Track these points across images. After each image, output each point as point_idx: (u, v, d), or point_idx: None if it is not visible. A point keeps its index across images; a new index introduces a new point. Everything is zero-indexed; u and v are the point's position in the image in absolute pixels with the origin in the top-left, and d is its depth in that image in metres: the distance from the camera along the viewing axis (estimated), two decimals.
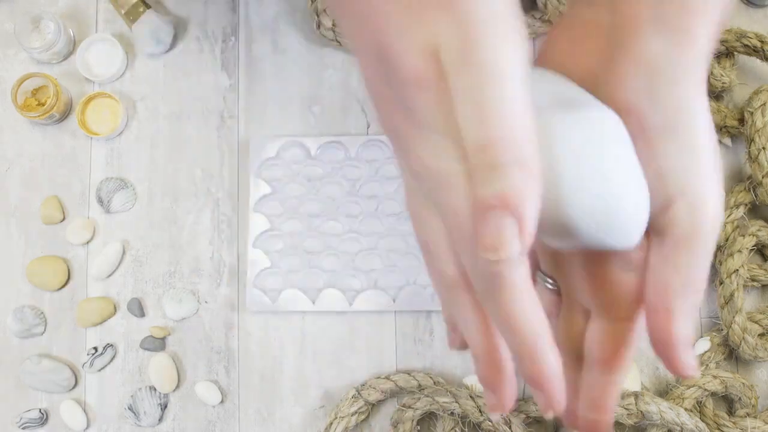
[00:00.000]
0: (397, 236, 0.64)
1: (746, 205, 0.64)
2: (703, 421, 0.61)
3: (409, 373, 0.62)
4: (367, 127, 0.67)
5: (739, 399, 0.61)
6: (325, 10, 0.66)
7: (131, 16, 0.67)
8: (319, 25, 0.67)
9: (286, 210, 0.65)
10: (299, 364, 0.64)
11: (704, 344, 0.63)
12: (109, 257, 0.65)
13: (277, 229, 0.64)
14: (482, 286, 0.33)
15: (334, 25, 0.66)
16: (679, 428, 0.58)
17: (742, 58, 0.67)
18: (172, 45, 0.68)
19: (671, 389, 0.62)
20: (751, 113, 0.62)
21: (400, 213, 0.64)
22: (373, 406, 0.63)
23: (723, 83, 0.63)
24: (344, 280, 0.64)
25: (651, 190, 0.35)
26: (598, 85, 0.36)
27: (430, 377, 0.62)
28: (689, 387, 0.61)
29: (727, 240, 0.63)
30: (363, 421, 0.62)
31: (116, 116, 0.66)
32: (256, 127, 0.67)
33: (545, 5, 0.65)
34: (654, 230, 0.36)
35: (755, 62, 0.67)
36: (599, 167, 0.34)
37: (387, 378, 0.62)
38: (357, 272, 0.64)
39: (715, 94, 0.65)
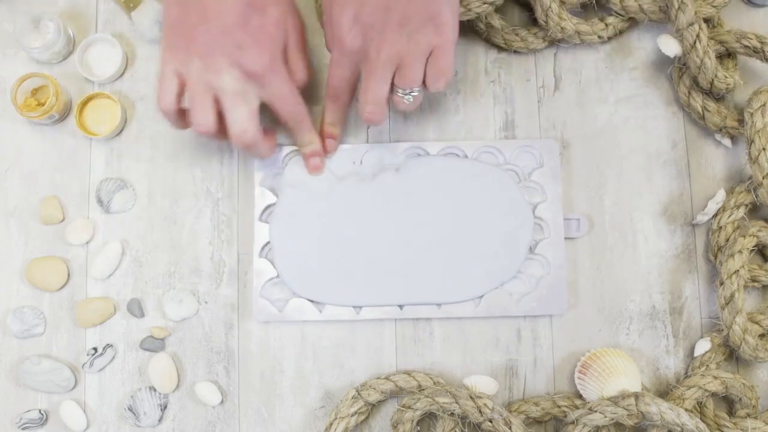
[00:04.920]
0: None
1: (747, 205, 0.64)
2: (703, 421, 0.60)
3: (409, 374, 0.62)
4: (367, 128, 0.67)
5: (740, 399, 0.61)
6: None
7: (131, 3, 0.67)
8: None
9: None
10: (299, 364, 0.64)
11: (705, 345, 0.63)
12: (109, 257, 0.65)
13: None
14: None
15: None
16: (679, 429, 0.58)
17: (742, 59, 0.67)
18: None
19: (672, 390, 0.62)
20: (751, 114, 0.62)
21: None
22: (373, 407, 0.63)
23: (727, 84, 0.63)
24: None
25: None
26: None
27: (430, 377, 0.62)
28: (690, 388, 0.61)
29: (727, 241, 0.63)
30: (363, 421, 0.62)
31: (114, 117, 0.66)
32: None
33: (546, 22, 0.65)
34: None
35: (755, 63, 0.67)
36: None
37: (387, 378, 0.62)
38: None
39: (720, 95, 0.65)
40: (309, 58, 0.62)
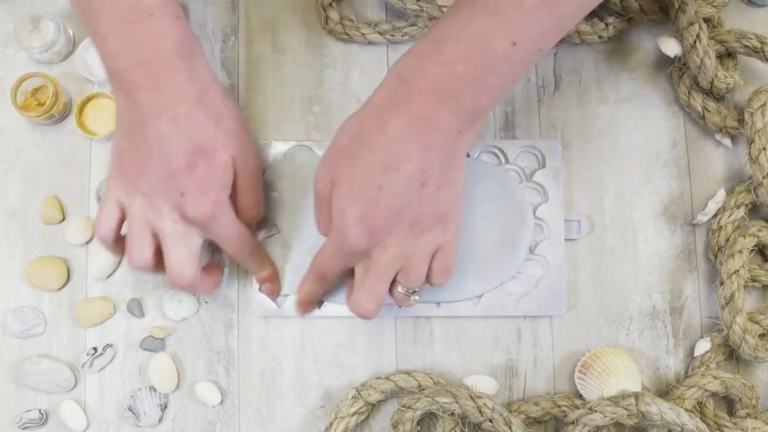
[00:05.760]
0: None
1: (747, 205, 0.64)
2: (703, 421, 0.60)
3: (409, 374, 0.62)
4: None
5: (740, 399, 0.61)
6: (331, 4, 0.66)
7: None
8: (326, 20, 0.66)
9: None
10: (299, 364, 0.64)
11: (705, 345, 0.63)
12: (109, 257, 0.64)
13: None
14: None
15: (342, 18, 0.66)
16: (679, 429, 0.58)
17: (742, 59, 0.67)
18: None
19: (672, 390, 0.62)
20: (751, 114, 0.62)
21: None
22: (373, 407, 0.63)
23: (727, 84, 0.63)
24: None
25: None
26: None
27: (430, 377, 0.62)
28: (690, 387, 0.61)
29: (727, 241, 0.63)
30: (363, 421, 0.62)
31: (114, 117, 0.66)
32: (256, 128, 0.67)
33: None
34: None
35: (755, 63, 0.67)
36: None
37: (387, 378, 0.62)
38: None
39: (720, 95, 0.65)
40: (262, 194, 0.60)
